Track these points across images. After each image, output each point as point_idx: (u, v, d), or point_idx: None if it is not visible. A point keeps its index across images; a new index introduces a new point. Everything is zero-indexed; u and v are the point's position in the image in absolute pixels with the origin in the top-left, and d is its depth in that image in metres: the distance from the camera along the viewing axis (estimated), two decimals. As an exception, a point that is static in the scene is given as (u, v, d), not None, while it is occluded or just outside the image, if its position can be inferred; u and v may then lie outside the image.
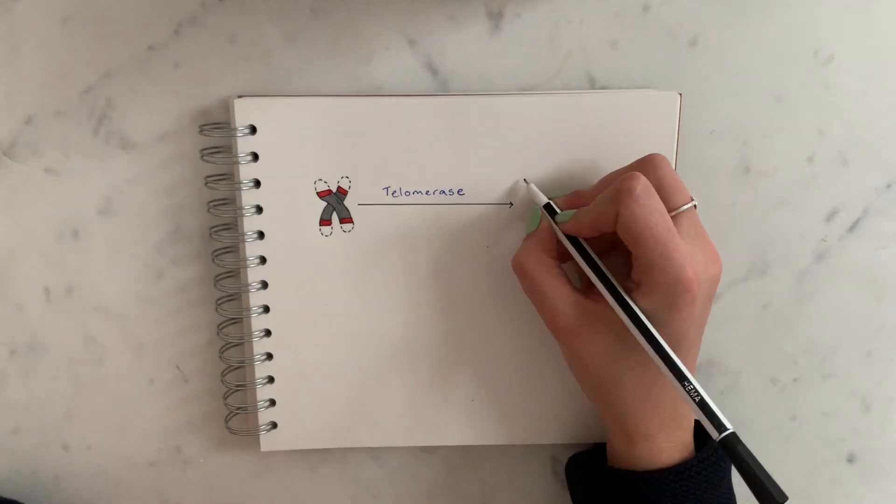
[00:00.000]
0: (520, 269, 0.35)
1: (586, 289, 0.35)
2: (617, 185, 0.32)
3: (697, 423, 0.36)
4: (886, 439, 0.43)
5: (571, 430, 0.41)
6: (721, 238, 0.40)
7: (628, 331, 0.32)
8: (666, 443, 0.35)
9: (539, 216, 0.36)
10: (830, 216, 0.40)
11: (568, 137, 0.37)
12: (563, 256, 0.36)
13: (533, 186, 0.37)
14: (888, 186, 0.39)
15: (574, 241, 0.35)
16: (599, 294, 0.34)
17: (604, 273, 0.33)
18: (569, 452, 0.43)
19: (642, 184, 0.31)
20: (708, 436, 0.36)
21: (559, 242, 0.35)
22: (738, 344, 0.41)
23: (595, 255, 0.34)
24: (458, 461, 0.43)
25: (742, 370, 0.42)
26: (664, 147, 0.37)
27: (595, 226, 0.33)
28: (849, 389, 0.42)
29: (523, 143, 0.37)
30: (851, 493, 0.43)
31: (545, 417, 0.41)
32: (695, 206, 0.34)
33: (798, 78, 0.38)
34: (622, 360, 0.33)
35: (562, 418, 0.41)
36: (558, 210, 0.35)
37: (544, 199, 0.36)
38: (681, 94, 0.36)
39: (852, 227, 0.40)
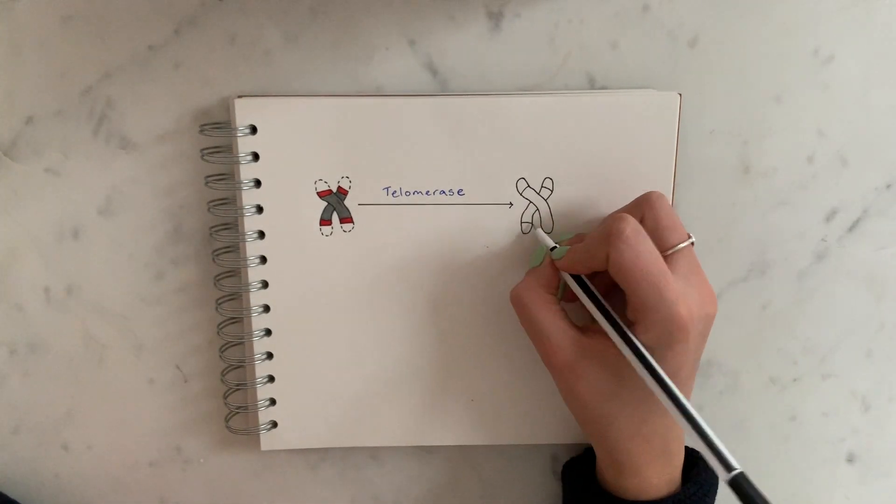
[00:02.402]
0: (518, 301, 0.35)
1: (583, 326, 0.35)
2: (607, 227, 0.32)
3: (685, 457, 0.37)
4: (886, 439, 0.43)
5: (571, 430, 0.41)
6: (721, 238, 0.40)
7: (623, 368, 0.33)
8: (655, 478, 0.35)
9: (543, 254, 0.36)
10: (830, 216, 0.40)
11: (568, 137, 0.37)
12: (565, 296, 0.36)
13: (540, 231, 0.37)
14: (888, 186, 0.39)
15: (577, 277, 0.35)
16: (596, 331, 0.34)
17: (607, 310, 0.33)
18: (569, 452, 0.43)
19: (632, 226, 0.32)
20: (693, 470, 0.36)
21: (560, 281, 0.36)
22: (738, 344, 0.41)
23: (598, 293, 0.34)
24: (458, 461, 0.43)
25: (742, 370, 0.42)
26: (664, 147, 0.37)
27: (587, 265, 0.34)
28: (848, 389, 0.42)
29: (523, 143, 0.37)
30: (851, 493, 0.43)
31: (545, 417, 0.41)
32: (692, 243, 0.34)
33: (798, 78, 0.38)
34: (616, 396, 0.34)
35: (562, 418, 0.41)
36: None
37: (551, 243, 0.36)
38: (681, 94, 0.36)
39: (852, 227, 0.40)
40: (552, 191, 0.37)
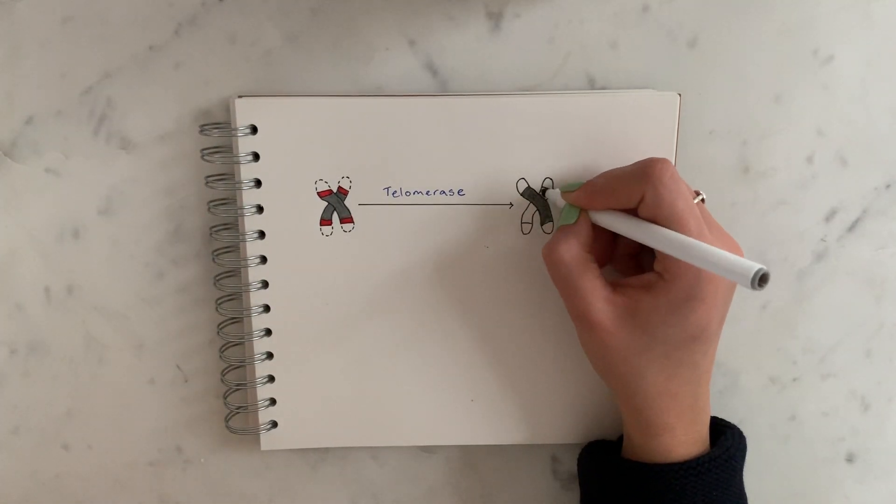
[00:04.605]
0: (554, 258, 0.35)
1: (613, 283, 0.35)
2: (645, 166, 0.32)
3: (712, 420, 0.37)
4: (886, 439, 0.43)
5: (571, 429, 0.41)
6: (721, 238, 0.40)
7: (652, 323, 0.33)
8: (683, 436, 0.35)
9: (577, 211, 0.35)
10: (830, 216, 0.40)
11: (568, 137, 0.37)
12: (597, 255, 0.36)
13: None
14: (888, 186, 0.39)
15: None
16: (627, 290, 0.34)
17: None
18: (569, 452, 0.43)
19: (673, 168, 0.32)
20: (722, 437, 0.36)
21: (594, 238, 0.35)
22: (738, 344, 0.41)
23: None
24: (458, 461, 0.43)
25: (741, 370, 0.42)
26: (664, 147, 0.37)
27: (610, 199, 0.34)
28: (848, 389, 0.42)
29: (523, 143, 0.37)
30: (851, 493, 0.43)
31: (545, 417, 0.41)
32: (703, 199, 0.35)
33: (798, 78, 0.38)
34: (645, 352, 0.34)
35: (562, 418, 0.41)
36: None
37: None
38: (680, 95, 0.36)
39: (852, 227, 0.40)
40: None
